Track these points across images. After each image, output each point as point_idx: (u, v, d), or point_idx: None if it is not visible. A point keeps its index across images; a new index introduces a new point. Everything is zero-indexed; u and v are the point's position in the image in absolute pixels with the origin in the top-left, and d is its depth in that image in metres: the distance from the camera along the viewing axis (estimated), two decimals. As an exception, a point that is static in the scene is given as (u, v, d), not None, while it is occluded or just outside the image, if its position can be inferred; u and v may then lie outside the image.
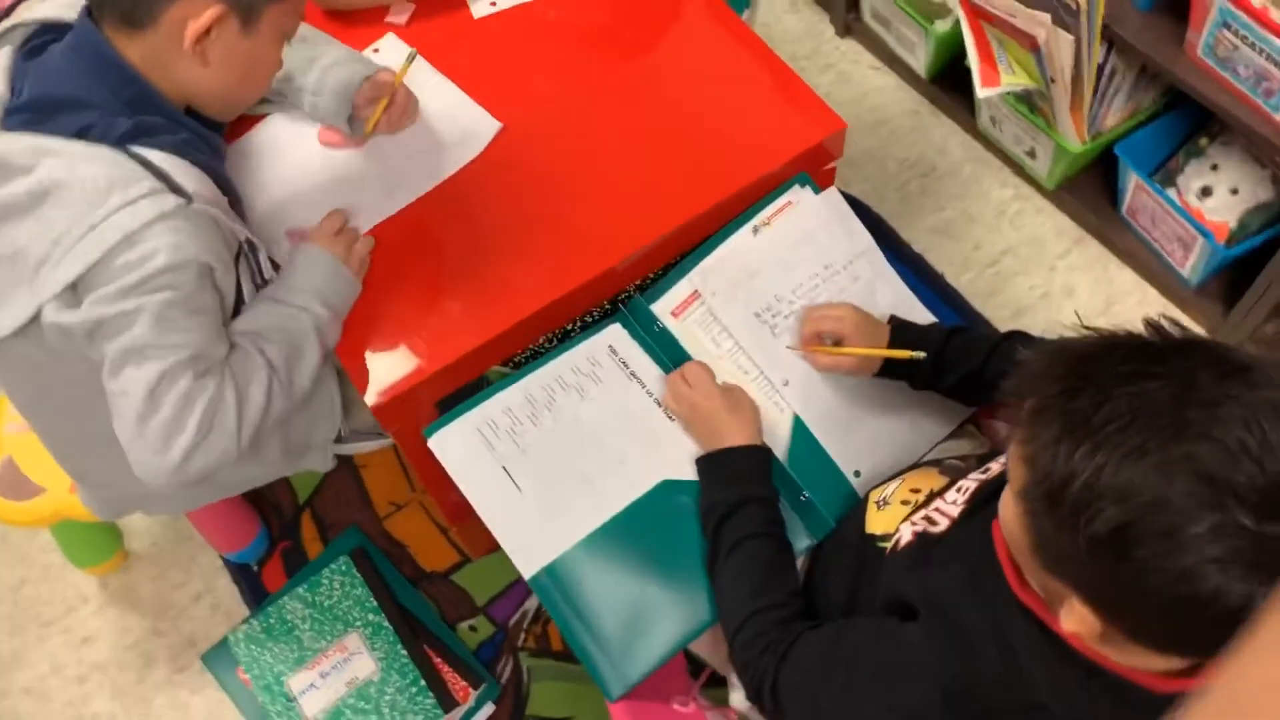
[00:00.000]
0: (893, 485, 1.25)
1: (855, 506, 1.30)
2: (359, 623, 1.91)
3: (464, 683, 1.85)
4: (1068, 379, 0.79)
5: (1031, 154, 2.24)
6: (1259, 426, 0.73)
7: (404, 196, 1.52)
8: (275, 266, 1.41)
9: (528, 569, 1.28)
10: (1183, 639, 0.81)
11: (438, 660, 1.87)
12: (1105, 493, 0.75)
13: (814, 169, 1.53)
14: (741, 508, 1.20)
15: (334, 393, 1.53)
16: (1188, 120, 2.09)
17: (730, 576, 1.17)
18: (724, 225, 1.48)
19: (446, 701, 1.81)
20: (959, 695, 0.95)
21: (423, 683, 1.83)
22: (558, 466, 1.33)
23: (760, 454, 1.26)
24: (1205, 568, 0.73)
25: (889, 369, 1.30)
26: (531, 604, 1.95)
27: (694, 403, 1.31)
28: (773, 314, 1.42)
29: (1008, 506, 0.88)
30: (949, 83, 2.39)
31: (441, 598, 1.97)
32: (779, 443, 1.37)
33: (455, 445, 1.33)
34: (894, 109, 2.48)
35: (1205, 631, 0.76)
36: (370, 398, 1.37)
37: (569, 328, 1.50)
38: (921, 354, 1.24)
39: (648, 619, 1.25)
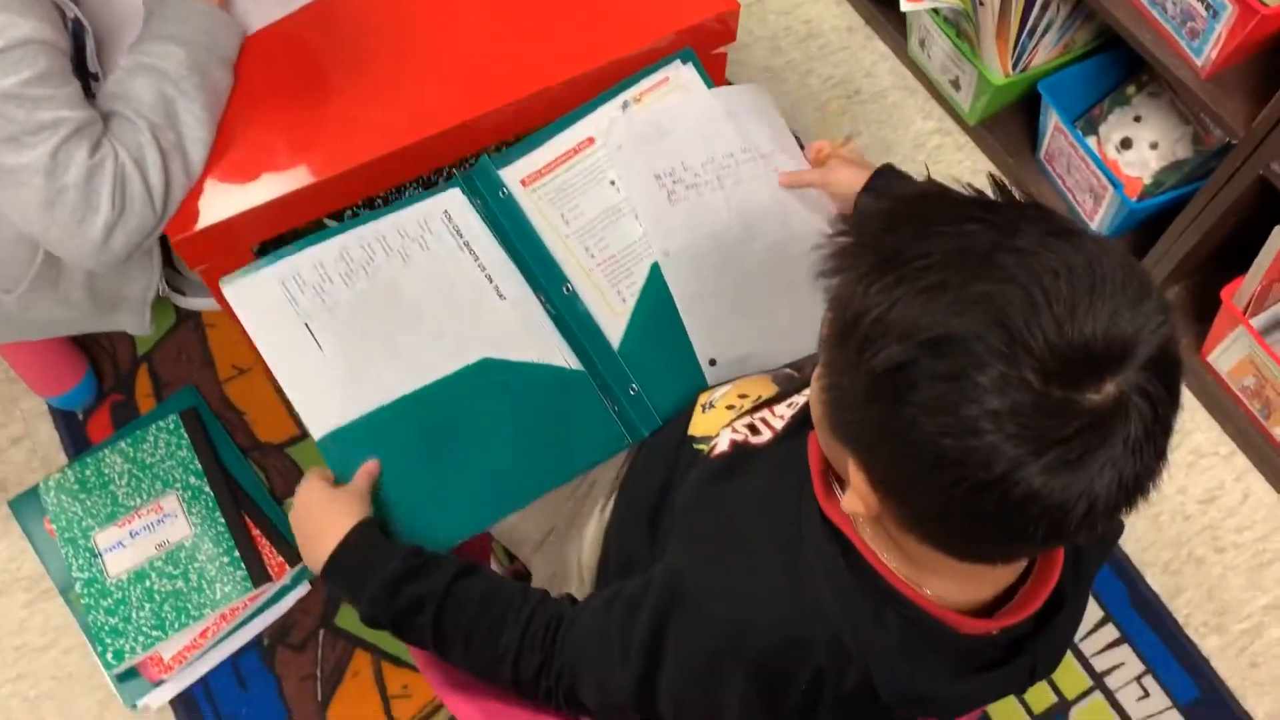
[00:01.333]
0: (723, 389, 1.18)
1: (684, 406, 1.21)
2: (179, 484, 1.80)
3: (281, 559, 1.75)
4: (893, 218, 0.73)
5: (956, 84, 2.14)
6: (1070, 286, 0.65)
7: (252, 21, 1.39)
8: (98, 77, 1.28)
9: (318, 430, 1.17)
10: (957, 526, 0.72)
11: (257, 533, 1.77)
12: (892, 327, 0.67)
13: (701, 49, 1.42)
14: (400, 588, 1.02)
15: (152, 245, 1.41)
16: (1119, 67, 2.00)
17: (464, 648, 1.02)
18: (592, 99, 1.37)
19: (258, 574, 1.72)
20: (732, 645, 0.87)
21: (236, 553, 1.73)
22: (366, 331, 1.22)
23: (365, 528, 1.07)
24: (980, 422, 0.64)
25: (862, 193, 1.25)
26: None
27: (293, 512, 1.14)
28: (674, 180, 1.33)
29: (814, 379, 0.81)
30: (887, 1, 2.27)
31: (273, 470, 1.86)
32: (614, 332, 1.27)
33: (253, 297, 1.21)
34: (827, 23, 2.37)
35: (979, 516, 0.68)
36: (173, 230, 1.25)
37: (409, 187, 1.38)
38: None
39: (447, 495, 1.17)
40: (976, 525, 0.70)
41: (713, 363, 1.27)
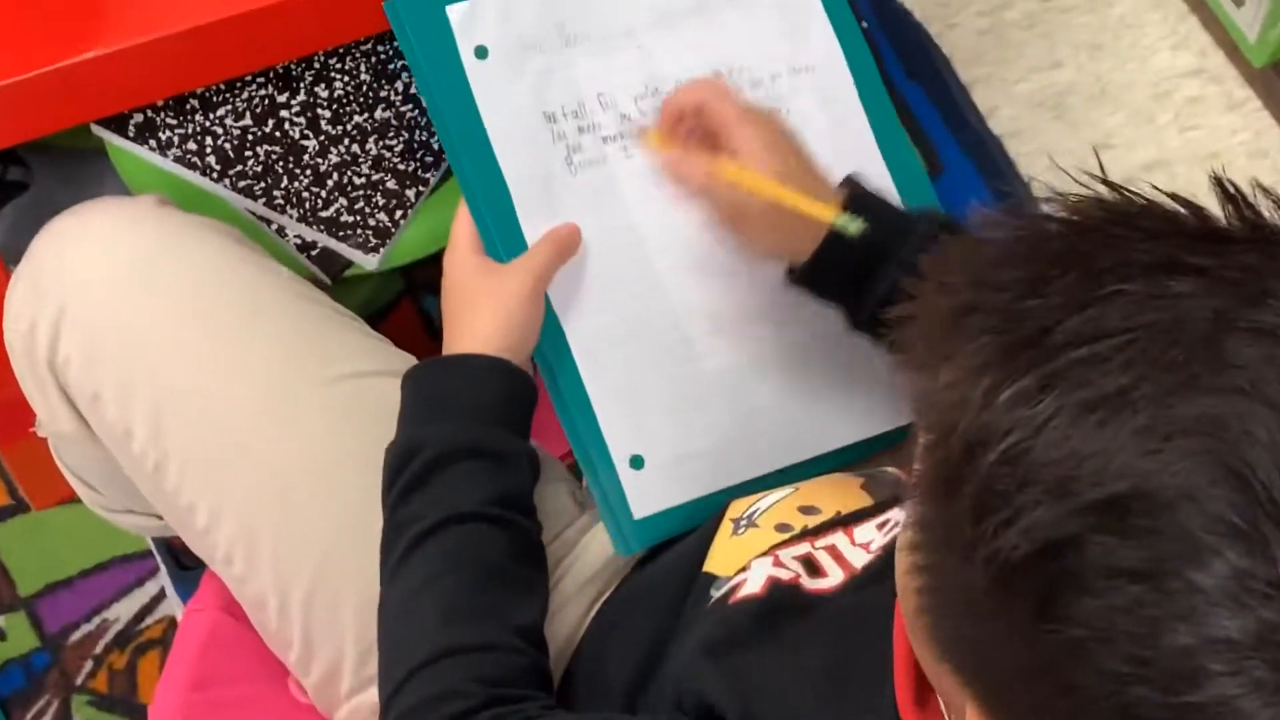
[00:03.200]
0: (776, 495, 0.88)
1: (703, 526, 0.89)
2: None
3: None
4: (1031, 262, 0.50)
5: (1235, -4, 1.52)
6: None
7: None
8: None
9: None
10: None
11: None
12: (1038, 473, 0.46)
13: None
14: (452, 464, 0.82)
15: None
16: None
17: (413, 583, 0.82)
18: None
19: None
20: None
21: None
22: None
23: (513, 376, 0.85)
24: (1202, 659, 0.44)
25: (827, 263, 0.84)
26: (120, 612, 1.27)
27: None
28: (581, 125, 0.93)
29: (899, 547, 0.61)
30: None
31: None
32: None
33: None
34: None
35: None
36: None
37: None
38: (854, 224, 0.79)
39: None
40: None
41: (637, 463, 0.91)
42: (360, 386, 0.86)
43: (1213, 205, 0.50)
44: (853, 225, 0.76)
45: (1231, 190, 0.50)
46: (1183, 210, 0.50)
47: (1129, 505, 0.45)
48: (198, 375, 0.84)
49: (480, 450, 0.81)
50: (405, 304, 1.24)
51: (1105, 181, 0.51)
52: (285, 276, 0.90)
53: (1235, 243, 0.49)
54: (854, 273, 0.80)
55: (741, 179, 0.79)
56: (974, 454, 0.47)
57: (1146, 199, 0.51)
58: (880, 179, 0.92)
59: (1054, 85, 1.55)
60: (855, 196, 0.82)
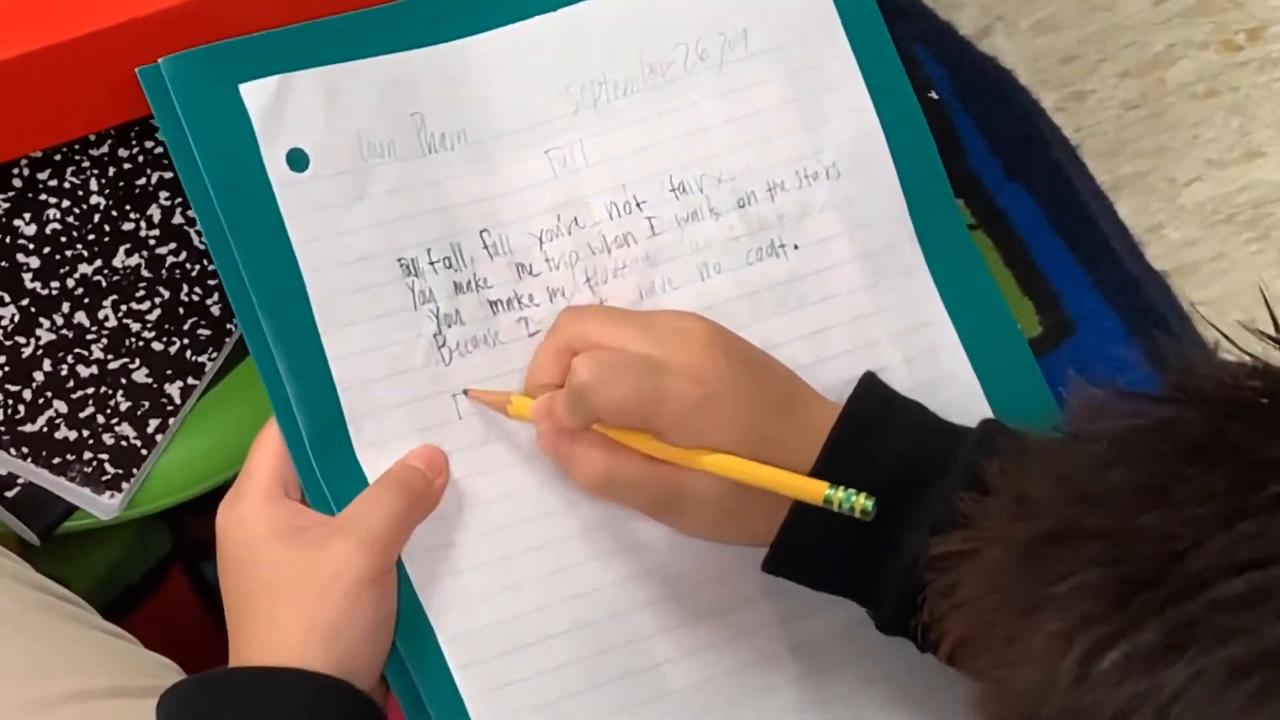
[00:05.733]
0: None
1: None
2: None
3: None
4: (1155, 460, 0.43)
5: None
6: None
7: None
8: None
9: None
10: None
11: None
12: None
13: None
14: None
15: None
16: None
17: None
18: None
19: None
20: None
21: None
22: None
23: (351, 705, 0.63)
24: None
25: (804, 543, 0.65)
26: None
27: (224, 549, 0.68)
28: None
29: None
30: None
31: None
32: None
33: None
34: None
35: None
36: None
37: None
38: (861, 500, 0.60)
39: None
40: None
41: None
42: (83, 713, 0.65)
43: None
44: (860, 501, 0.58)
45: None
46: None
47: None
48: None
49: None
50: (175, 574, 0.86)
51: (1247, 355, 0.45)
52: None
53: None
54: (856, 546, 0.61)
55: (688, 460, 0.60)
56: None
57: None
58: (946, 355, 0.68)
59: (1252, 187, 1.12)
60: (854, 419, 0.61)
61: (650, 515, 0.64)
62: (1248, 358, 0.44)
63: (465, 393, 0.65)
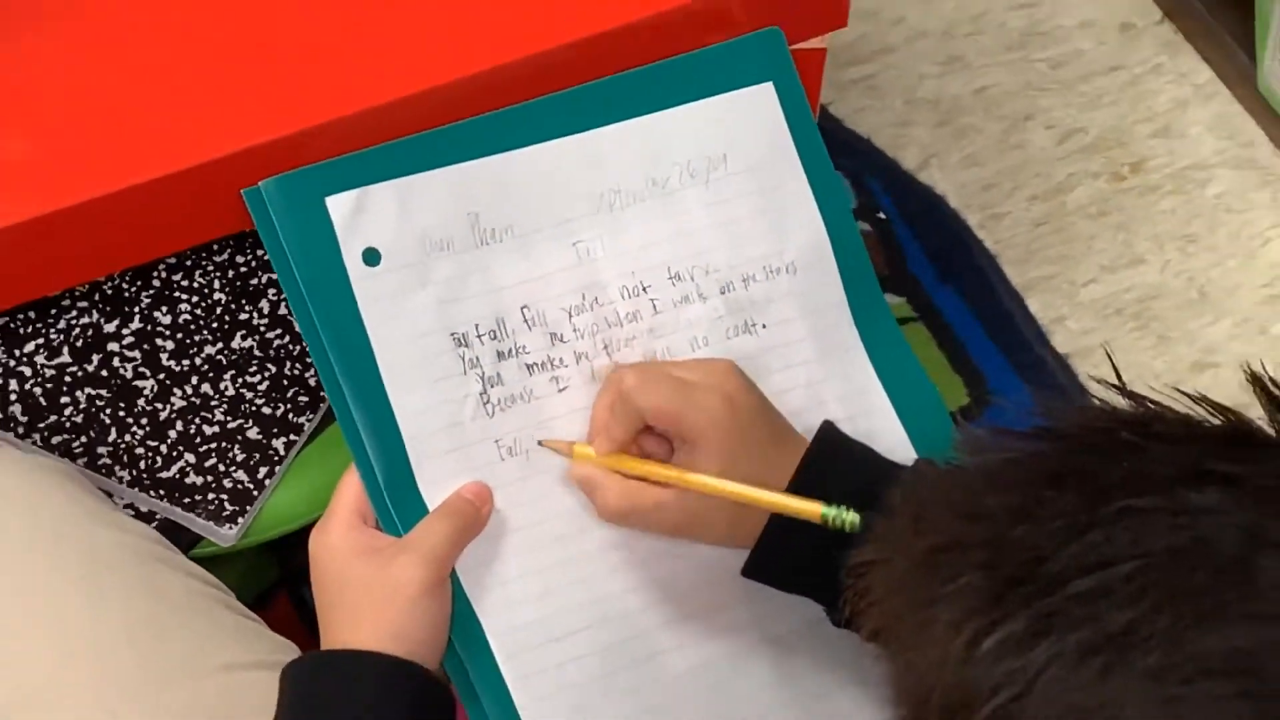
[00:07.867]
0: None
1: None
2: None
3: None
4: (1024, 485, 0.48)
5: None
6: None
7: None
8: None
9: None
10: None
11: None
12: None
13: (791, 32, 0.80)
14: None
15: None
16: None
17: None
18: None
19: None
20: None
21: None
22: None
23: (426, 687, 0.71)
24: None
25: (776, 553, 0.73)
26: None
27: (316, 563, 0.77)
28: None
29: None
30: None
31: None
32: None
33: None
34: (1073, 15, 1.43)
35: None
36: None
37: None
38: (850, 518, 0.68)
39: None
40: None
41: None
42: (232, 684, 0.74)
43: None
44: (848, 517, 0.64)
45: (1276, 391, 0.48)
46: (1212, 415, 0.48)
47: None
48: (22, 659, 0.72)
49: None
50: (282, 599, 0.98)
51: (1123, 390, 0.50)
52: (136, 533, 0.78)
53: (1274, 448, 0.47)
54: (815, 557, 0.67)
55: (708, 487, 0.68)
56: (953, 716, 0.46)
57: (1163, 405, 0.50)
58: (878, 414, 0.78)
59: (1135, 288, 1.29)
60: (824, 450, 0.70)
61: (665, 533, 0.74)
62: (1097, 403, 0.49)
63: (540, 443, 0.74)
